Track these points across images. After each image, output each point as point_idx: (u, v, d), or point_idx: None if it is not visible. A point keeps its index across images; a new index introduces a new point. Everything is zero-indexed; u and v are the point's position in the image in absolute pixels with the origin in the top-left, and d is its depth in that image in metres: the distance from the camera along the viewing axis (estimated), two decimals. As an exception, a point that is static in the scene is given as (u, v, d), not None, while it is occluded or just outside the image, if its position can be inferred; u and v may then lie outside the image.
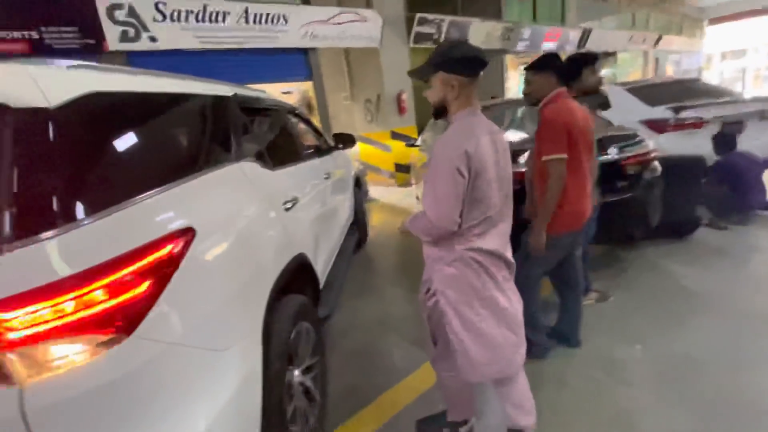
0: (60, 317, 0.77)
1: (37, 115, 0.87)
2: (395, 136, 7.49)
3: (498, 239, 1.39)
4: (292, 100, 6.94)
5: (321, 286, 2.29)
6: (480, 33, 8.90)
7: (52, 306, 0.76)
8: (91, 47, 4.40)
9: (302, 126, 3.25)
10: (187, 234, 1.06)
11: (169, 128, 1.36)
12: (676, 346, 2.18)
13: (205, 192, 1.30)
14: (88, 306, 0.80)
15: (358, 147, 7.96)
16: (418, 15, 7.40)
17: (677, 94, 4.50)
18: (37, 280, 0.76)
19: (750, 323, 2.30)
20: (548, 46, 11.12)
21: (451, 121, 1.37)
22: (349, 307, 3.07)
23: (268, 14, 5.67)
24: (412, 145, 5.50)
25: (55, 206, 0.83)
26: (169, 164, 1.24)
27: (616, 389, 1.91)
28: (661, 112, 4.19)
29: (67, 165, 0.89)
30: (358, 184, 4.49)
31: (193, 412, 0.98)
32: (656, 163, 2.95)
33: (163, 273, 0.95)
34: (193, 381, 1.01)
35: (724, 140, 3.90)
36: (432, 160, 1.30)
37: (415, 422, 1.78)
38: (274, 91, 6.63)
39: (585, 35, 12.12)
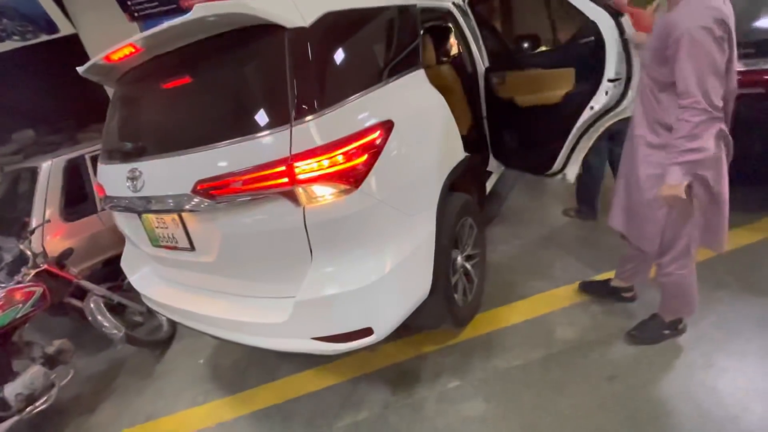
0: (320, 169, 1.22)
1: (301, 32, 1.27)
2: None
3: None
4: None
5: (487, 191, 2.48)
6: None
7: (316, 161, 1.21)
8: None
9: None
10: (389, 124, 1.40)
11: (376, 38, 1.67)
12: None
13: (401, 92, 1.61)
14: (333, 165, 1.23)
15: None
16: None
17: None
18: (306, 145, 1.21)
19: None
20: None
21: None
22: (516, 218, 3.14)
23: None
24: None
25: (314, 99, 1.25)
26: (375, 69, 1.57)
27: None
28: None
29: (318, 69, 1.30)
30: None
31: (390, 250, 1.41)
32: None
33: (374, 150, 1.33)
34: (393, 229, 1.43)
35: None
36: (678, 38, 1.25)
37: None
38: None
39: None
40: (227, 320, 1.51)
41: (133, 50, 1.46)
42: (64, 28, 5.31)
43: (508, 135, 2.62)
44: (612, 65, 1.88)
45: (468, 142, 2.06)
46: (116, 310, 2.57)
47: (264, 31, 1.27)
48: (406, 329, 1.93)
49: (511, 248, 2.75)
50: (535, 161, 2.45)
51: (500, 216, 3.20)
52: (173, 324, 2.65)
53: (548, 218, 3.08)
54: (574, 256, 2.50)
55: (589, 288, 2.12)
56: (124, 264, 2.06)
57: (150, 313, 2.56)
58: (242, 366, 2.26)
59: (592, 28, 1.89)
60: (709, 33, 1.21)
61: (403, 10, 1.84)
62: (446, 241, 1.75)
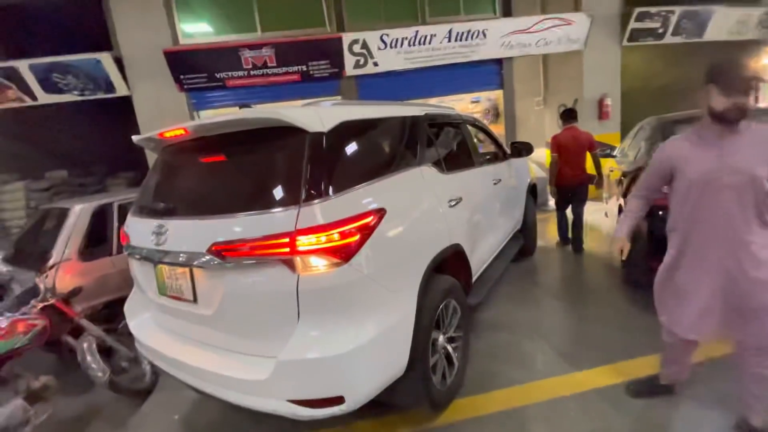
0: (318, 243, 1.44)
1: (319, 135, 1.59)
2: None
3: None
4: (479, 108, 7.34)
5: (474, 277, 2.63)
6: (727, 21, 7.08)
7: (315, 237, 1.43)
8: (335, 74, 5.99)
9: (481, 135, 3.61)
10: (381, 212, 1.65)
11: (380, 141, 2.01)
12: None
13: (395, 186, 1.89)
14: (329, 241, 1.45)
15: (545, 154, 7.67)
16: (637, 10, 6.52)
17: None
18: (310, 223, 1.45)
19: None
20: None
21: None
22: (504, 308, 3.26)
23: (469, 31, 6.21)
24: (608, 155, 4.77)
25: (322, 187, 1.52)
26: (377, 166, 1.87)
27: None
28: None
29: (330, 164, 1.59)
30: (534, 192, 4.52)
31: (370, 322, 1.56)
32: None
33: (366, 232, 1.56)
34: (375, 303, 1.60)
35: None
36: None
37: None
38: (463, 100, 7.19)
39: None
40: (211, 372, 1.61)
41: (183, 132, 1.79)
42: (120, 90, 6.06)
43: None
44: None
45: None
46: (106, 353, 2.63)
47: (290, 131, 1.59)
48: (381, 407, 1.97)
49: (499, 336, 2.82)
50: None
51: (490, 302, 3.32)
52: (156, 375, 2.68)
53: (538, 308, 3.19)
54: (557, 349, 2.56)
55: (637, 388, 2.09)
56: (128, 309, 2.20)
57: (136, 361, 2.62)
58: (216, 427, 2.25)
59: None
60: None
61: (406, 119, 2.22)
62: (427, 320, 1.88)
